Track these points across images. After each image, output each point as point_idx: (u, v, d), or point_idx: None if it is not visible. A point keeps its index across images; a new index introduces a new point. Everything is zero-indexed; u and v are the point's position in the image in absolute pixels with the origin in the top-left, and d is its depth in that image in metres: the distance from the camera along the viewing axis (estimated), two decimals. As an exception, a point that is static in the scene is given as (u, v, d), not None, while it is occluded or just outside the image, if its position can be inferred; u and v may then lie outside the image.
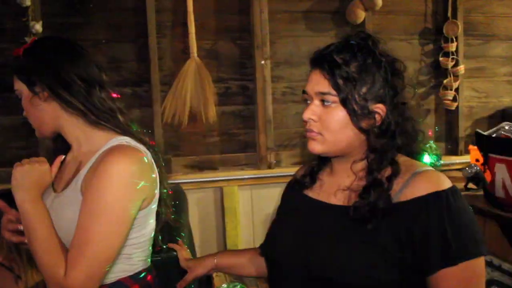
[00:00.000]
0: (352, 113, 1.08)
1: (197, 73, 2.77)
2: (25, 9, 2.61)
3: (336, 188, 1.17)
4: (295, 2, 2.97)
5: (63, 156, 1.29)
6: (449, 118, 3.28)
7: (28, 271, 1.70)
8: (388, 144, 1.11)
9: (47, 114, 1.27)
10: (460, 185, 2.53)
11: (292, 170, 2.89)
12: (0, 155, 2.77)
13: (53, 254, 1.13)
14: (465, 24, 3.17)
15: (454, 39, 3.09)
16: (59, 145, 1.41)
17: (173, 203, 1.50)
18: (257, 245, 2.91)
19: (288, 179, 2.86)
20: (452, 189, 1.03)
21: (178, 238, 1.74)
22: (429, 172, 1.07)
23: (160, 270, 1.48)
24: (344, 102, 1.07)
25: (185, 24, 2.77)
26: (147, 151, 1.28)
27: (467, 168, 2.48)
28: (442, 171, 1.21)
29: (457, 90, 3.15)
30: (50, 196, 1.29)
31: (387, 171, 1.09)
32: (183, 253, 1.60)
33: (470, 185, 2.53)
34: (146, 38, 2.75)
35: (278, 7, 2.93)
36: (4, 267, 1.68)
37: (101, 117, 1.27)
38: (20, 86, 1.28)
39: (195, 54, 2.77)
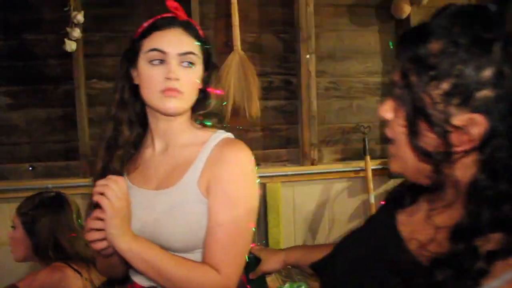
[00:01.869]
0: (407, 119, 0.69)
1: (240, 66, 2.70)
2: (66, -1, 2.53)
3: (418, 229, 0.77)
4: (340, -5, 2.92)
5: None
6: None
7: (92, 272, 1.66)
8: (494, 188, 0.64)
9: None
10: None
11: (335, 167, 2.90)
12: (37, 150, 2.70)
13: (193, 269, 1.08)
14: None
15: (498, 35, 3.05)
16: (132, 136, 1.24)
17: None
18: (298, 242, 2.91)
19: (330, 176, 2.88)
20: None
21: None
22: None
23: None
24: (402, 100, 0.70)
25: (228, 16, 2.71)
26: None
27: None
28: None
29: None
30: (142, 194, 1.18)
31: (492, 241, 0.63)
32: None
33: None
34: (189, 30, 2.68)
35: (323, 0, 2.87)
36: (72, 269, 1.64)
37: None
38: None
39: (239, 47, 2.70)
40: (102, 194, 1.03)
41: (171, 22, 1.16)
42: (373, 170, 2.84)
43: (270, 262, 1.45)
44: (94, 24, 2.65)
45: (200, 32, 1.20)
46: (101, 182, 1.05)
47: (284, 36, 2.86)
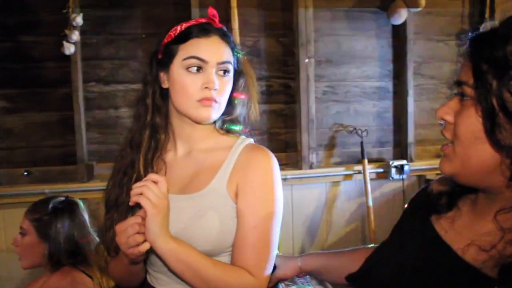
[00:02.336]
0: (486, 116, 0.70)
1: (240, 71, 2.70)
2: (64, 1, 2.49)
3: (472, 236, 0.77)
4: (337, 0, 2.93)
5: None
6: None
7: (103, 278, 1.65)
8: None
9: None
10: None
11: (334, 171, 2.92)
12: (34, 154, 2.66)
13: (229, 271, 1.09)
14: (501, 25, 3.19)
15: (490, 41, 3.10)
16: (153, 142, 1.23)
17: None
18: (296, 245, 2.92)
19: (328, 179, 2.90)
20: None
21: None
22: None
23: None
24: (481, 99, 0.70)
25: (228, 20, 2.69)
26: None
27: None
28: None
29: (490, 91, 3.17)
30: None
31: None
32: None
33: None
34: (188, 34, 2.66)
35: (321, 4, 2.88)
36: (84, 273, 1.63)
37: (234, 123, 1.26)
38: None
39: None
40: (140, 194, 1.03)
41: (209, 30, 1.13)
42: (370, 173, 2.88)
43: (286, 269, 1.43)
44: (92, 26, 2.62)
45: (232, 39, 1.20)
46: (138, 183, 1.05)
47: (283, 40, 2.87)
